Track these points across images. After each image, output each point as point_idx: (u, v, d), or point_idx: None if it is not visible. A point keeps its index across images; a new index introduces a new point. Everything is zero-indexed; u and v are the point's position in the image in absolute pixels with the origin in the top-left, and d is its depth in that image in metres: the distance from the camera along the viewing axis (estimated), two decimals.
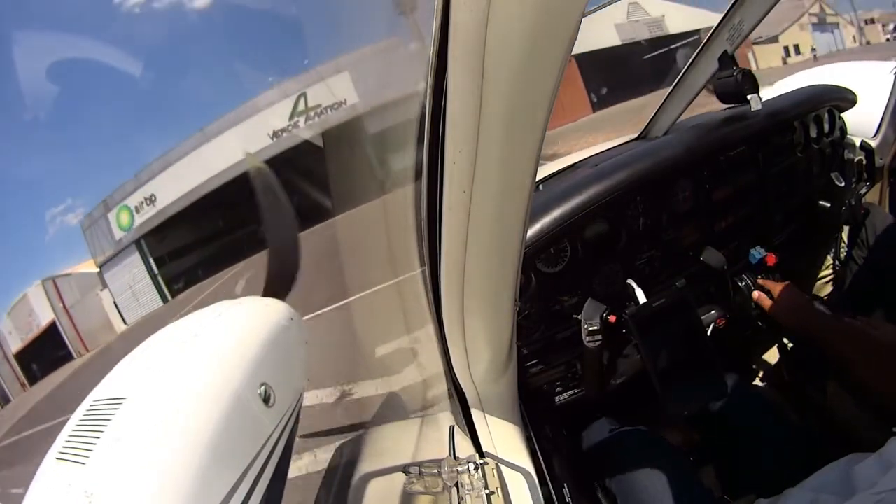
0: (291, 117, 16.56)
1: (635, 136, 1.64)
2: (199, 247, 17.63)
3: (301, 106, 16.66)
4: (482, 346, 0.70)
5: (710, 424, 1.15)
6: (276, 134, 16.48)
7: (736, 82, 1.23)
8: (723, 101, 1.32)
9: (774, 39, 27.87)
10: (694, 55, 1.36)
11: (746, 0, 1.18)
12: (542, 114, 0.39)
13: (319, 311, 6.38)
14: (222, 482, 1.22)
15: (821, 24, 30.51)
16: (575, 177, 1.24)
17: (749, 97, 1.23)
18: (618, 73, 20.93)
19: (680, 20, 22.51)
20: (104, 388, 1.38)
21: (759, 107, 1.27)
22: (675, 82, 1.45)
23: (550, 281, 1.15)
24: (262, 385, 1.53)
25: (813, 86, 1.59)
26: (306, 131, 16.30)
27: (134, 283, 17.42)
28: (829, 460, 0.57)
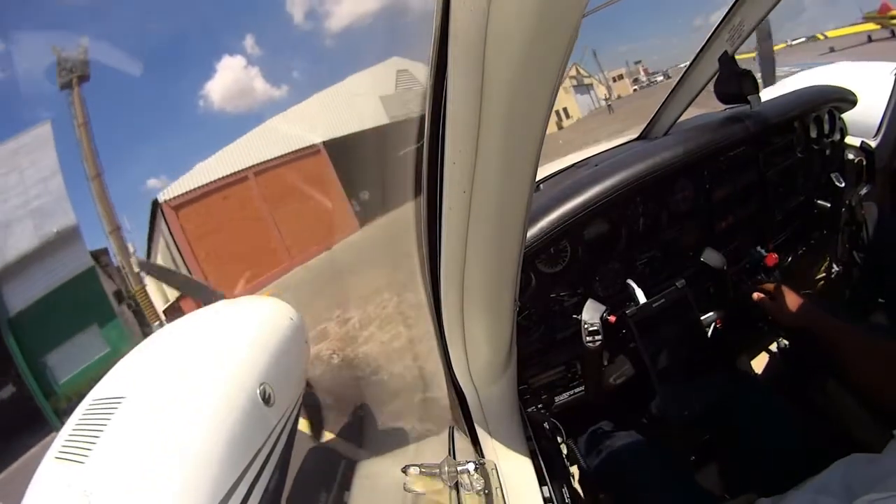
0: None
1: (636, 136, 1.64)
2: None
3: None
4: (482, 346, 0.70)
5: (710, 424, 1.15)
6: None
7: (736, 83, 1.23)
8: (723, 101, 1.32)
9: None
10: (694, 56, 1.36)
11: (746, 0, 1.18)
12: (541, 114, 0.39)
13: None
14: (222, 481, 1.22)
15: (580, 87, 34.18)
16: (575, 177, 1.24)
17: (749, 97, 1.24)
18: (388, 167, 14.15)
19: None
20: (103, 388, 1.38)
21: (760, 107, 1.27)
22: (675, 83, 1.45)
23: (551, 281, 1.15)
24: (261, 384, 1.53)
25: (813, 86, 1.59)
26: None
27: None
28: (829, 460, 0.57)
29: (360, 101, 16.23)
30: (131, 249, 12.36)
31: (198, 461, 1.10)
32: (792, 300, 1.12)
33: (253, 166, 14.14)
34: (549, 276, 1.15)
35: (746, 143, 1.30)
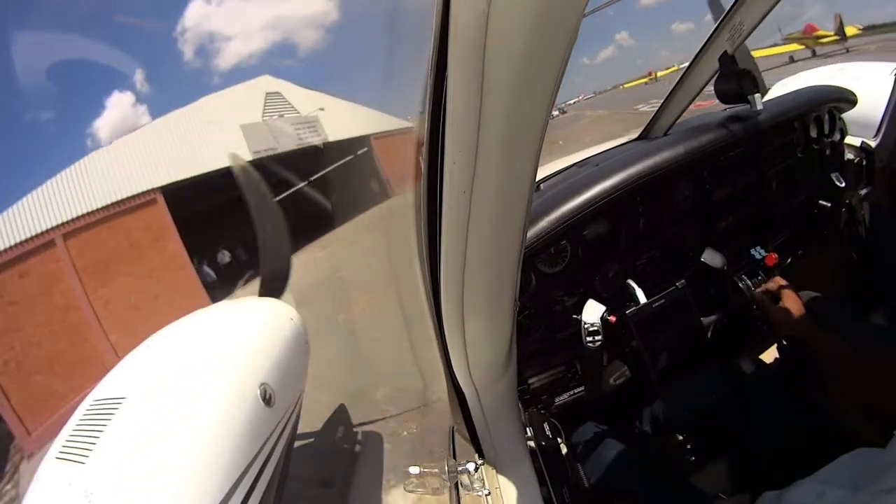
0: None
1: (636, 136, 1.64)
2: None
3: None
4: (482, 346, 0.70)
5: (710, 424, 1.15)
6: None
7: (736, 82, 1.23)
8: (723, 101, 1.32)
9: None
10: (695, 55, 1.36)
11: (746, 0, 1.18)
12: (541, 114, 0.39)
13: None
14: (222, 481, 1.22)
15: None
16: (575, 177, 1.24)
17: (749, 97, 1.24)
18: (255, 219, 7.00)
19: (345, 120, 14.05)
20: (104, 388, 1.39)
21: (760, 107, 1.27)
22: (675, 82, 1.45)
23: (551, 281, 1.15)
24: (262, 385, 1.53)
25: (813, 87, 1.59)
26: None
27: None
28: (831, 459, 0.57)
29: (214, 132, 11.67)
30: None
31: (198, 461, 1.10)
32: (791, 308, 1.11)
33: (61, 225, 9.17)
34: (549, 276, 1.15)
35: (746, 143, 1.30)
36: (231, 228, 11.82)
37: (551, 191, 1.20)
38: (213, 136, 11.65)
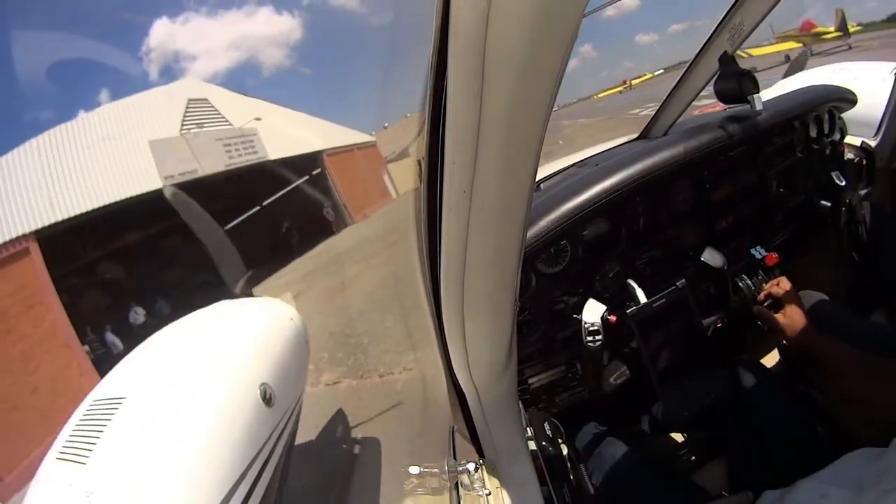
0: None
1: (636, 136, 1.64)
2: None
3: None
4: (482, 346, 0.70)
5: (710, 424, 1.15)
6: None
7: (737, 83, 1.23)
8: (723, 101, 1.32)
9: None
10: (695, 55, 1.36)
11: (746, 0, 1.18)
12: (541, 114, 0.39)
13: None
14: (223, 481, 1.22)
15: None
16: (575, 177, 1.25)
17: (750, 97, 1.24)
18: (169, 266, 9.60)
19: (287, 134, 11.36)
20: (104, 388, 1.39)
21: (760, 107, 1.27)
22: (675, 83, 1.45)
23: (551, 281, 1.16)
24: (262, 385, 1.54)
25: (813, 86, 1.59)
26: None
27: None
28: (832, 457, 0.57)
29: (112, 152, 8.66)
30: None
31: (199, 461, 1.10)
32: (794, 318, 1.11)
33: None
34: (549, 276, 1.15)
35: (746, 143, 1.30)
36: (145, 277, 9.41)
37: (551, 191, 1.20)
38: (109, 157, 8.60)
